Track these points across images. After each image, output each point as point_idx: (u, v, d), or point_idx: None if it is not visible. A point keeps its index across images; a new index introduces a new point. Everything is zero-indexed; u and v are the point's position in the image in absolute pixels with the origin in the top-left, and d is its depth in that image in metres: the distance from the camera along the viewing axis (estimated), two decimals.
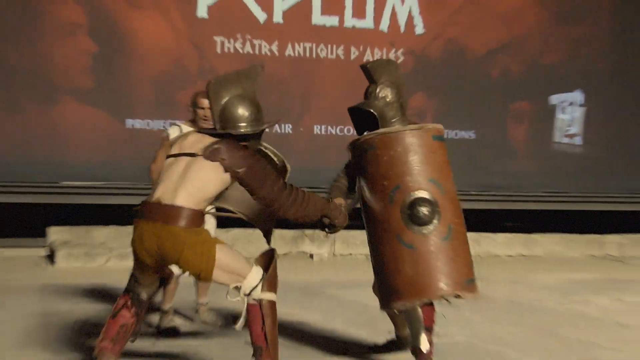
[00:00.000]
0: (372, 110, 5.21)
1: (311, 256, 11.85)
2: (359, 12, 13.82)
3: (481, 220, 12.77)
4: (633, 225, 13.64)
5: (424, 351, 4.97)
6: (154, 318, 6.69)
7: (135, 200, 11.98)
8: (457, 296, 4.92)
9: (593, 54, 15.21)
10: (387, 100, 5.24)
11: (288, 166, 5.38)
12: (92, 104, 12.57)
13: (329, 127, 13.41)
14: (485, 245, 12.58)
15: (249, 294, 4.57)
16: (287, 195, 4.68)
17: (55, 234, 11.23)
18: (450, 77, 14.22)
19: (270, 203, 4.69)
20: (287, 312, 7.19)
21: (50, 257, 10.78)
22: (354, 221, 5.34)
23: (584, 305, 8.07)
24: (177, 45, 13.07)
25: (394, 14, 14.02)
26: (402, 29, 14.07)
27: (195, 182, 4.57)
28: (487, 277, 9.66)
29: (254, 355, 4.59)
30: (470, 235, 12.59)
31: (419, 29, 14.16)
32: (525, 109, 14.83)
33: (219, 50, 13.18)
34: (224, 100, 4.77)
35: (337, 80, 13.49)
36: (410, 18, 14.10)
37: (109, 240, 11.19)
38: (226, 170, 4.59)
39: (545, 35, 14.88)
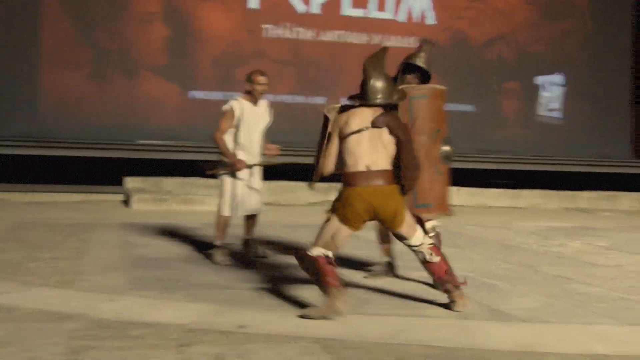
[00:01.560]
0: (422, 66, 5.53)
1: None
2: (381, 6, 13.69)
3: (478, 178, 12.60)
4: (601, 184, 13.44)
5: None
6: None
7: (196, 157, 12.11)
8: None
9: (572, 44, 15.02)
10: (424, 63, 5.57)
11: None
12: (164, 77, 12.55)
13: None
14: (480, 198, 12.43)
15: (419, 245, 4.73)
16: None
17: (131, 182, 11.21)
18: (455, 61, 14.07)
19: (415, 153, 4.72)
20: None
21: (127, 202, 10.74)
22: None
23: (561, 248, 7.89)
24: (233, 31, 12.97)
25: (410, 8, 13.86)
26: (417, 20, 13.88)
27: (383, 147, 4.62)
28: (483, 224, 9.54)
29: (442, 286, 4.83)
30: (469, 190, 12.61)
31: (431, 20, 13.94)
32: (516, 88, 14.66)
33: (266, 35, 13.05)
34: (382, 77, 4.73)
35: (362, 61, 13.31)
36: (423, 11, 13.92)
37: (174, 188, 11.15)
38: (391, 133, 4.63)
39: (533, 28, 14.70)
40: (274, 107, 6.61)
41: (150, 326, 4.15)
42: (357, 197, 4.58)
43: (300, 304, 4.69)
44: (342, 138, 4.68)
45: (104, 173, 11.57)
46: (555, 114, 14.85)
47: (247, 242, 6.60)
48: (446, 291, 4.76)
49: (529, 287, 5.63)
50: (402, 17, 13.76)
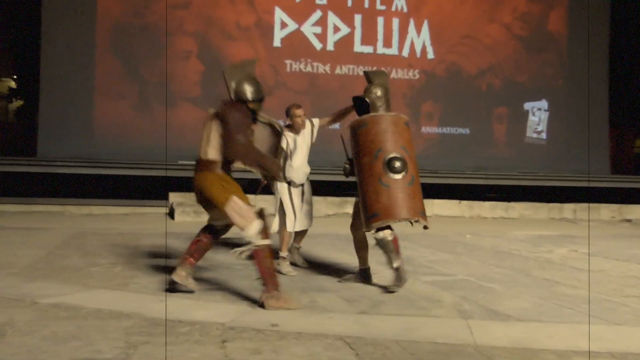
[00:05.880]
0: (366, 99, 5.56)
1: None
2: (388, 43, 13.74)
3: (473, 192, 12.58)
4: (583, 197, 13.37)
5: (397, 266, 5.28)
6: None
7: (234, 174, 12.08)
8: (416, 220, 5.26)
9: (554, 73, 14.99)
10: (377, 95, 5.54)
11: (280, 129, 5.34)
12: (200, 107, 12.59)
13: None
14: (476, 209, 12.37)
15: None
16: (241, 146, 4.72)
17: (174, 197, 11.26)
18: (451, 90, 14.13)
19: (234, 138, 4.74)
20: (336, 255, 7.11)
21: (170, 214, 10.81)
22: None
23: (548, 254, 7.85)
24: (259, 66, 12.87)
25: (412, 44, 13.91)
26: (418, 55, 13.93)
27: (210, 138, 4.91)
28: (478, 233, 9.52)
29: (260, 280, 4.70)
30: (465, 203, 12.55)
31: (430, 54, 13.98)
32: (505, 113, 14.63)
33: (288, 70, 13.13)
34: (236, 80, 4.97)
35: None
36: (424, 47, 13.96)
37: None
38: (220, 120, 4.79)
39: (519, 60, 14.71)
40: None
41: (195, 324, 4.20)
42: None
43: (321, 307, 4.73)
44: None
45: (151, 189, 11.67)
46: (541, 136, 14.83)
47: (293, 249, 6.50)
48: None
49: (520, 290, 5.61)
50: (405, 53, 13.82)
